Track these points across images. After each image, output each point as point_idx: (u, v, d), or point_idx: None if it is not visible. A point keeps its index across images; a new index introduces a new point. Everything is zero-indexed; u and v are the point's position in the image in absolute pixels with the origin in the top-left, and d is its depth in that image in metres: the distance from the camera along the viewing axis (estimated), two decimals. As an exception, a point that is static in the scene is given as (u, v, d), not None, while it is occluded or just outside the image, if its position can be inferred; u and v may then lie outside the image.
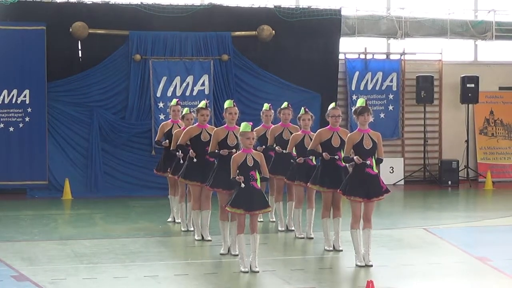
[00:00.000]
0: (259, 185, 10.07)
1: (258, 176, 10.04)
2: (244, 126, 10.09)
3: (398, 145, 20.64)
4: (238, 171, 9.97)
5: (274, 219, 14.03)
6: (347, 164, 10.93)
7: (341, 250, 11.29)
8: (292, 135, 12.39)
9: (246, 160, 9.98)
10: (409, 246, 12.02)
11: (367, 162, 10.23)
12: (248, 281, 9.71)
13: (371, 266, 10.27)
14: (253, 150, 10.16)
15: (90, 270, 10.17)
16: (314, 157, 12.00)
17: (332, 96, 18.49)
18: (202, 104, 12.11)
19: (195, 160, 11.79)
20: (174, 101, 14.23)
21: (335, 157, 11.22)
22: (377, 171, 10.39)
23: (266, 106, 13.83)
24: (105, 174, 18.24)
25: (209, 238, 12.09)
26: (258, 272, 9.95)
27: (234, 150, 10.81)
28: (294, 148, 12.24)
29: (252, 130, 10.07)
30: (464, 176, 20.30)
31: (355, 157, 10.25)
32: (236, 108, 11.21)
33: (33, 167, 17.81)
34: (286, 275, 9.90)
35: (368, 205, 10.36)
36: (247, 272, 9.97)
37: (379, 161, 10.45)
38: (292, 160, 12.34)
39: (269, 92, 18.70)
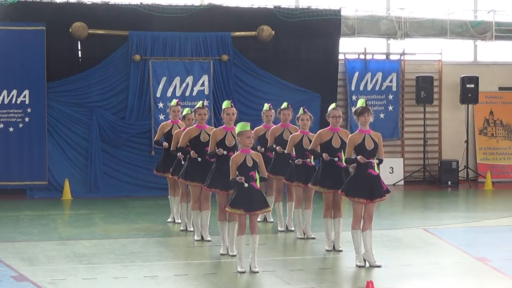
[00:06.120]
0: (258, 185, 10.07)
1: (257, 176, 10.03)
2: (242, 125, 10.07)
3: (398, 146, 20.65)
4: (237, 171, 9.97)
5: (272, 220, 14.04)
6: (348, 165, 10.92)
7: (341, 251, 11.29)
8: (291, 135, 12.39)
9: (246, 160, 9.97)
10: (408, 247, 12.02)
11: (371, 160, 10.22)
12: (248, 281, 9.72)
13: (379, 266, 10.26)
14: (252, 151, 10.16)
15: (89, 271, 10.18)
16: (313, 158, 12.01)
17: (331, 96, 18.48)
18: (199, 104, 12.14)
19: (199, 159, 11.79)
20: (174, 101, 14.26)
21: (335, 159, 11.22)
22: (378, 172, 10.38)
23: (266, 106, 13.87)
24: (105, 174, 18.24)
25: (209, 239, 12.10)
26: (257, 272, 9.95)
27: (225, 152, 10.84)
28: (293, 149, 12.25)
29: (250, 129, 10.07)
30: (464, 176, 20.30)
31: (358, 157, 10.24)
32: (234, 109, 11.21)
33: (32, 168, 17.81)
34: (285, 276, 9.90)
35: (370, 206, 10.35)
36: (244, 272, 9.97)
37: (379, 162, 10.43)
38: (290, 161, 12.34)
39: (269, 92, 18.71)
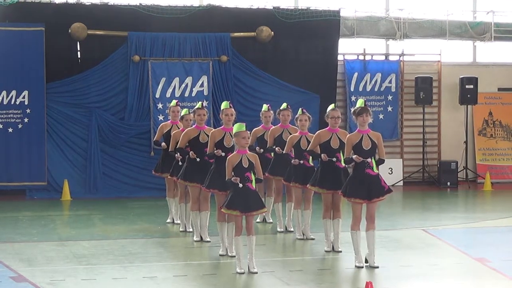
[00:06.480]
0: (254, 186, 10.06)
1: (253, 177, 10.03)
2: (238, 126, 10.09)
3: (397, 146, 20.65)
4: (233, 172, 9.98)
5: (271, 220, 14.03)
6: (347, 165, 10.92)
7: (340, 251, 11.29)
8: (290, 136, 12.40)
9: (241, 161, 9.98)
10: (408, 247, 12.02)
11: (367, 160, 10.20)
12: (247, 282, 9.72)
13: (377, 267, 10.25)
14: (248, 151, 10.16)
15: (88, 271, 10.17)
16: (311, 158, 12.01)
17: (331, 97, 18.50)
18: (198, 104, 12.14)
19: (198, 159, 11.78)
20: (174, 102, 14.24)
21: (333, 159, 11.21)
22: (377, 172, 10.36)
23: (265, 107, 13.84)
24: (104, 175, 18.23)
25: (208, 239, 12.10)
26: (256, 273, 9.95)
27: (223, 154, 10.83)
28: (292, 149, 12.25)
29: (246, 129, 10.08)
30: (463, 177, 20.30)
31: (354, 156, 10.23)
32: (233, 109, 11.21)
33: (32, 168, 17.80)
34: (285, 276, 9.90)
35: (370, 206, 10.33)
36: (243, 273, 9.97)
37: (380, 162, 10.38)
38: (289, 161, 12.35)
39: (268, 93, 18.71)
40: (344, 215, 11.66)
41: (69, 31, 17.94)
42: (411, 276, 10.07)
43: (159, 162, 14.15)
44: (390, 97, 20.34)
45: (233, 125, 10.84)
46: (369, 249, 10.36)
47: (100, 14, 18.26)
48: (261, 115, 13.84)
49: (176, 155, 12.63)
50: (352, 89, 20.07)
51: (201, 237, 12.18)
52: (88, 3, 18.33)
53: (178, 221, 13.65)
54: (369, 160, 10.24)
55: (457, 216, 15.52)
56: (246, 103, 18.74)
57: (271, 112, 13.75)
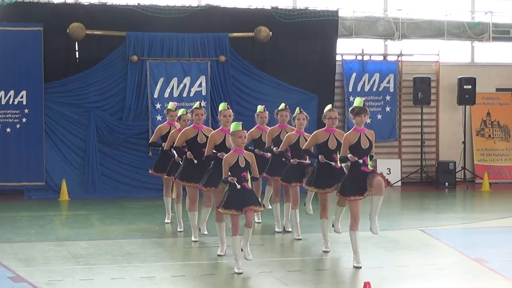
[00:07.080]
0: (250, 185, 10.07)
1: (249, 177, 10.04)
2: (235, 125, 10.11)
3: (395, 147, 20.65)
4: (229, 172, 9.98)
5: (260, 221, 14.01)
6: (343, 165, 10.92)
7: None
8: (287, 135, 12.36)
9: (238, 161, 9.99)
10: (406, 248, 12.03)
11: (360, 161, 10.21)
12: (245, 282, 9.72)
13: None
14: (244, 151, 10.16)
15: (86, 271, 10.17)
16: (308, 157, 12.00)
17: (329, 97, 18.52)
18: (196, 104, 12.10)
19: (195, 161, 11.74)
20: (172, 105, 14.02)
21: (332, 163, 11.15)
22: (372, 168, 10.40)
23: (260, 108, 13.65)
24: (102, 175, 18.22)
25: (206, 232, 12.11)
26: (251, 259, 10.05)
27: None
28: (288, 149, 12.22)
29: (242, 129, 10.09)
30: (461, 177, 20.32)
31: (349, 156, 10.23)
32: (230, 111, 11.19)
33: (30, 168, 17.79)
34: (283, 276, 9.90)
35: (372, 201, 10.32)
36: (241, 273, 9.97)
37: (370, 158, 10.46)
38: (284, 159, 12.31)
39: (266, 93, 18.71)
40: (343, 216, 11.64)
41: (67, 31, 17.93)
42: (409, 276, 10.08)
43: (157, 161, 14.10)
44: (388, 97, 20.35)
45: (231, 126, 10.87)
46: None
47: (99, 14, 18.26)
48: (256, 116, 13.65)
49: (175, 157, 12.57)
50: (350, 89, 20.07)
51: (199, 229, 12.18)
52: (86, 3, 18.32)
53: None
54: (364, 158, 10.25)
55: (455, 217, 15.52)
56: (244, 103, 18.72)
57: (267, 113, 13.59)
